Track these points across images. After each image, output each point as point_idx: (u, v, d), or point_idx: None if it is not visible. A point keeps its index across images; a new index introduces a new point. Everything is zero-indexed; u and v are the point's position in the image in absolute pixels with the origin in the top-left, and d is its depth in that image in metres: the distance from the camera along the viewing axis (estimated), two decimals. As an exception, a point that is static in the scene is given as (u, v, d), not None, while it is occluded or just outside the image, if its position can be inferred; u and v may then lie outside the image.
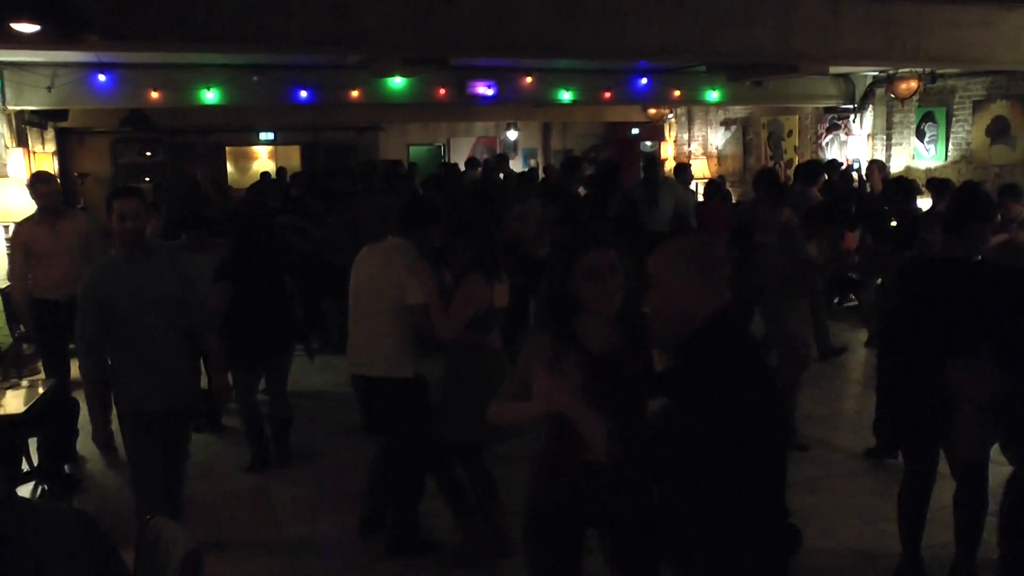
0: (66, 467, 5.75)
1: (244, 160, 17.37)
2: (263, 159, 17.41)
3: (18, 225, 6.20)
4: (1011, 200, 6.60)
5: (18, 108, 9.23)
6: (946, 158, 11.10)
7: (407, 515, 4.61)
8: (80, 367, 4.09)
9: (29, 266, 6.06)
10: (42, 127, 11.65)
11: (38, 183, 6.22)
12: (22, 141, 10.01)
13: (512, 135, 18.34)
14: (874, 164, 10.59)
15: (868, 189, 10.32)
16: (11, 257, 6.14)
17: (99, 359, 4.06)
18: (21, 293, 6.14)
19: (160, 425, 4.14)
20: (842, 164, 11.44)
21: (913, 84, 10.80)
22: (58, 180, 6.57)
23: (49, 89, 8.92)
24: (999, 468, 3.71)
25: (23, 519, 2.42)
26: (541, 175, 12.98)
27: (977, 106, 10.69)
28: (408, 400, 4.46)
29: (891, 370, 4.17)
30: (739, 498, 2.35)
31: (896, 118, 11.56)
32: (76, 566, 2.42)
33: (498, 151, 17.81)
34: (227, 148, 16.78)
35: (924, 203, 8.12)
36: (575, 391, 2.41)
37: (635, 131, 17.99)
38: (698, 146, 15.58)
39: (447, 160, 17.37)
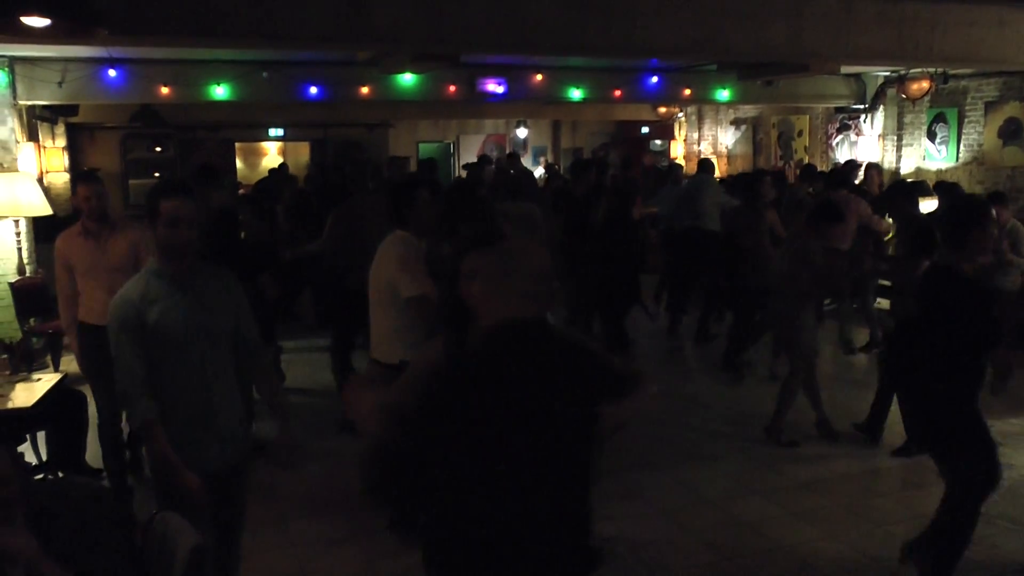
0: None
1: (254, 156, 17.40)
2: (272, 155, 17.42)
3: (60, 236, 5.22)
4: (999, 206, 6.67)
5: (29, 103, 9.25)
6: (957, 159, 11.04)
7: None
8: (128, 417, 3.31)
9: (73, 285, 5.16)
10: (52, 122, 11.69)
11: (79, 183, 5.33)
12: (33, 136, 10.05)
13: (522, 133, 18.32)
14: (872, 167, 10.43)
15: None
16: (57, 276, 5.23)
17: (149, 399, 3.19)
18: (68, 317, 5.22)
19: (212, 483, 3.29)
20: (859, 164, 11.35)
21: (925, 84, 10.74)
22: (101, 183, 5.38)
23: (60, 84, 8.94)
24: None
25: (61, 495, 2.67)
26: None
27: (989, 107, 10.63)
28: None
29: (912, 375, 4.15)
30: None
31: (907, 119, 11.50)
32: (107, 537, 2.65)
33: (508, 149, 17.81)
34: (236, 144, 16.79)
35: (927, 205, 8.01)
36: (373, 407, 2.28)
37: (645, 130, 17.96)
38: (708, 145, 15.53)
39: (456, 157, 17.40)
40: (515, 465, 2.13)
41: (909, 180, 7.54)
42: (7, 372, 5.48)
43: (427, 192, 4.60)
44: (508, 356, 2.17)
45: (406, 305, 4.32)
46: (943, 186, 8.48)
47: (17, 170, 8.54)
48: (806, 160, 12.88)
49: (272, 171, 13.65)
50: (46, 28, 4.79)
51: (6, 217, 8.34)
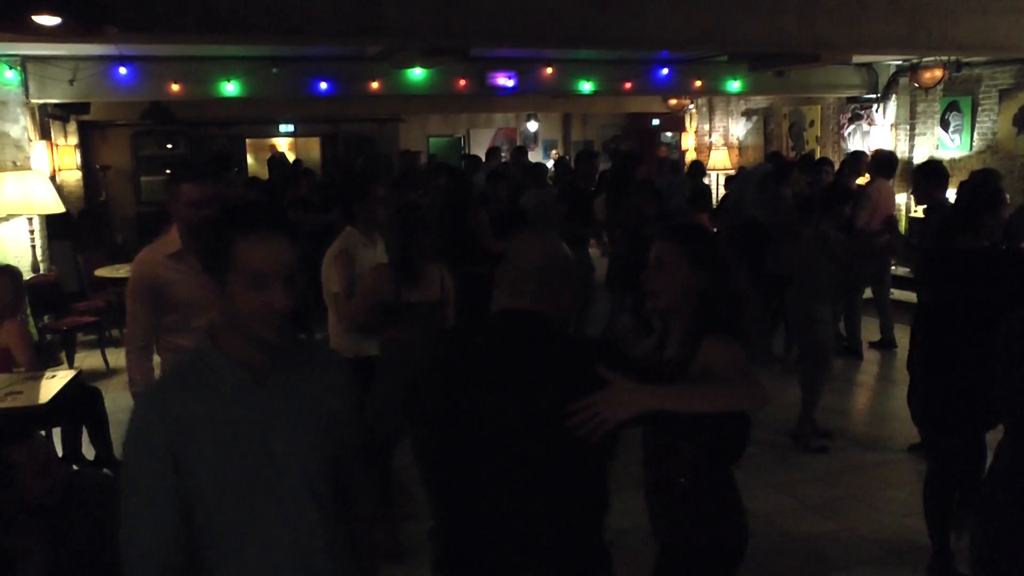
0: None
1: (264, 152, 17.42)
2: (283, 151, 17.46)
3: (140, 257, 3.70)
4: None
5: (41, 101, 9.29)
6: (971, 148, 10.95)
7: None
8: (129, 369, 3.12)
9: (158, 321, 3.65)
10: (64, 120, 11.74)
11: (183, 183, 3.55)
12: (45, 134, 10.09)
13: (532, 126, 18.29)
14: (857, 156, 10.22)
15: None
16: (131, 313, 3.65)
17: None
18: (142, 372, 3.56)
19: None
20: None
21: (938, 73, 10.65)
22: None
23: (71, 82, 8.97)
24: None
25: (85, 481, 2.73)
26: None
27: (1004, 95, 10.54)
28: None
29: (936, 363, 4.15)
30: None
31: (920, 108, 11.41)
32: (116, 526, 2.62)
33: (518, 142, 17.79)
34: (247, 140, 16.83)
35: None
36: None
37: (656, 122, 17.90)
38: (719, 137, 15.46)
39: (468, 151, 17.38)
40: (475, 460, 2.06)
41: (930, 162, 7.34)
42: (23, 369, 5.50)
43: (382, 189, 4.90)
44: (470, 346, 2.19)
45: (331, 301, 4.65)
46: (927, 164, 8.41)
47: (30, 168, 8.58)
48: (818, 151, 12.81)
49: (272, 163, 13.65)
50: (56, 26, 4.80)
51: (20, 215, 8.39)
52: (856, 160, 9.26)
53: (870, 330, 8.53)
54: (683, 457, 2.61)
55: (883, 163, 8.60)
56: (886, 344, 8.32)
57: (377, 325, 4.30)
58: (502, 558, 2.06)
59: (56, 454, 2.64)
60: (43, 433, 5.04)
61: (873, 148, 11.83)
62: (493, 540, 2.07)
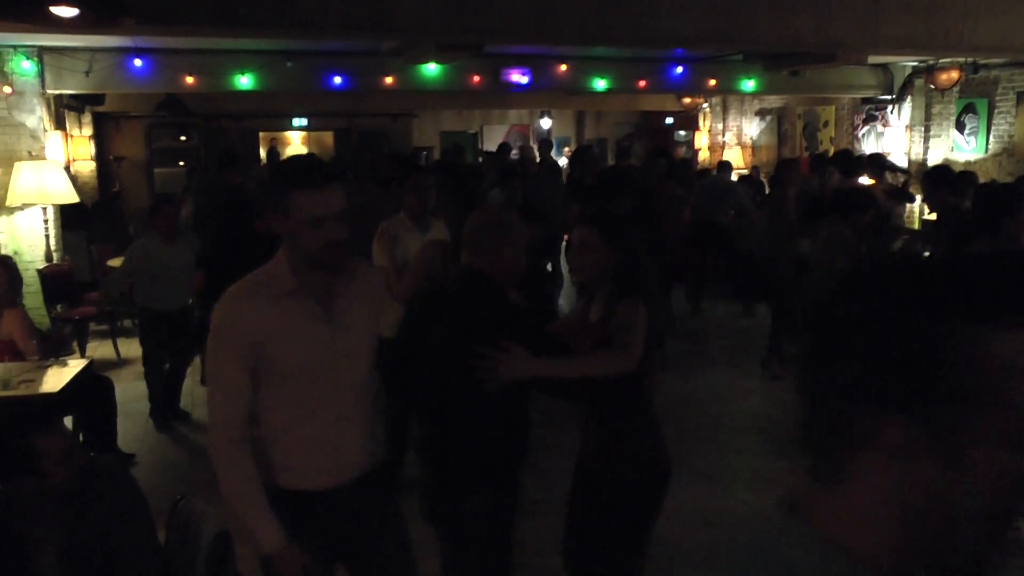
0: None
1: (277, 146, 17.48)
2: (296, 144, 17.50)
3: (232, 296, 2.54)
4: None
5: (57, 92, 9.33)
6: (986, 151, 10.90)
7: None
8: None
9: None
10: (79, 111, 11.79)
11: (298, 190, 2.44)
12: (60, 125, 10.14)
13: (546, 123, 18.28)
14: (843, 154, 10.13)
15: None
16: (221, 384, 2.57)
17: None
18: (242, 477, 2.47)
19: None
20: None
21: (954, 75, 10.60)
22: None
23: (87, 73, 9.00)
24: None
25: (99, 466, 2.76)
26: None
27: (1021, 97, 10.48)
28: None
29: None
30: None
31: (935, 109, 11.36)
32: (131, 510, 2.74)
33: (531, 139, 17.78)
34: (260, 133, 16.88)
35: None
36: None
37: (669, 120, 17.87)
38: (732, 136, 15.44)
39: (480, 147, 17.40)
40: (424, 379, 2.86)
41: (942, 165, 7.27)
42: (36, 358, 5.54)
43: (431, 177, 5.20)
44: (436, 296, 3.01)
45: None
46: (962, 176, 8.36)
47: (45, 158, 8.63)
48: (831, 151, 12.76)
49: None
50: (74, 18, 4.83)
51: (34, 204, 8.44)
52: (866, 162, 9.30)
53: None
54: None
55: (850, 163, 8.71)
56: None
57: None
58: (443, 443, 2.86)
59: (76, 440, 2.67)
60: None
61: (887, 150, 11.81)
62: (440, 433, 2.85)
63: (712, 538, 4.61)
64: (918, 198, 9.82)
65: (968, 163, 10.89)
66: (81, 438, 5.69)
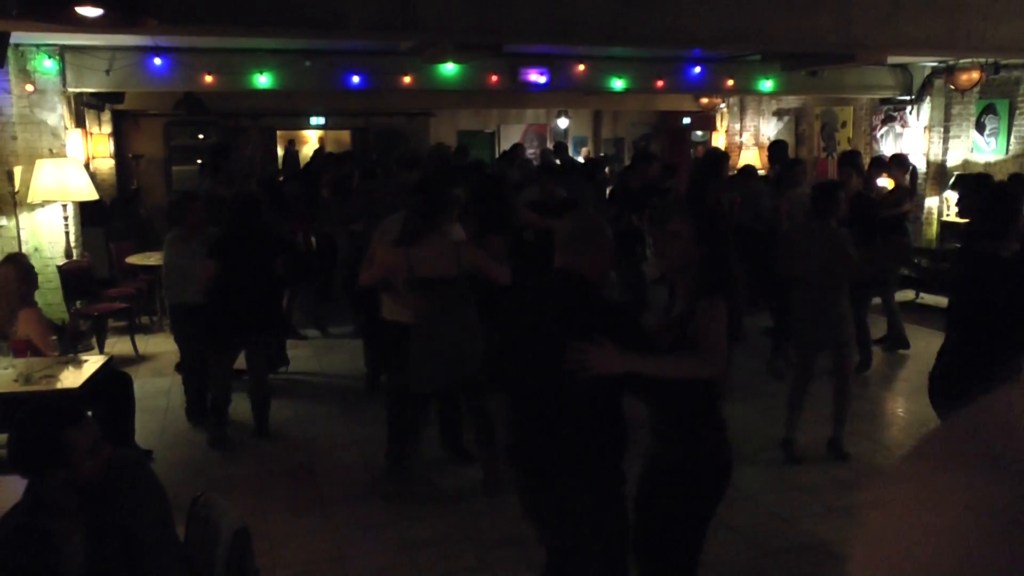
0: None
1: (295, 144, 17.56)
2: (313, 143, 17.56)
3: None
4: None
5: (77, 91, 9.40)
6: (1007, 152, 10.81)
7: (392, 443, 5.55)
8: None
9: None
10: (99, 109, 11.88)
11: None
12: (80, 122, 10.22)
13: (563, 123, 18.26)
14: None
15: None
16: None
17: None
18: None
19: None
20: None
21: (975, 75, 10.51)
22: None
23: (107, 72, 9.06)
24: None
25: (122, 459, 2.81)
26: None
27: (1042, 98, 10.40)
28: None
29: (966, 368, 4.12)
30: None
31: (955, 110, 11.28)
32: (152, 503, 2.78)
33: (548, 139, 17.78)
34: (278, 132, 16.95)
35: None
36: None
37: (686, 120, 17.82)
38: (749, 136, 15.37)
39: (497, 146, 17.42)
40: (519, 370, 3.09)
41: (966, 173, 7.23)
42: (55, 353, 5.59)
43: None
44: (529, 292, 3.27)
45: None
46: (976, 178, 8.29)
47: (66, 156, 8.69)
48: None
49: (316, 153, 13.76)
50: (98, 18, 4.86)
51: (55, 201, 8.50)
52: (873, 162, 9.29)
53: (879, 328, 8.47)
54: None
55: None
56: (897, 344, 8.21)
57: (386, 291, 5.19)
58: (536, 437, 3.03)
59: (101, 434, 2.71)
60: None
61: (904, 150, 11.72)
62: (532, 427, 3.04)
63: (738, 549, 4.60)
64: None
65: (988, 164, 10.81)
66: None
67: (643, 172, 9.04)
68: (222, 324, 6.03)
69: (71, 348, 5.97)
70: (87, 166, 9.78)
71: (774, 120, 15.19)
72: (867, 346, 7.60)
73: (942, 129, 11.37)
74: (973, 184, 6.38)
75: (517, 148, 13.24)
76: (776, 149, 10.87)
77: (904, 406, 7.02)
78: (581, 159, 16.20)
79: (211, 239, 6.16)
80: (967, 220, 6.35)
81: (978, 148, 11.16)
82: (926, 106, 11.56)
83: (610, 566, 3.01)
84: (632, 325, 3.04)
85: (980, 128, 11.16)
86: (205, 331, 6.16)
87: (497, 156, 15.50)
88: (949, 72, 10.87)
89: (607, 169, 12.98)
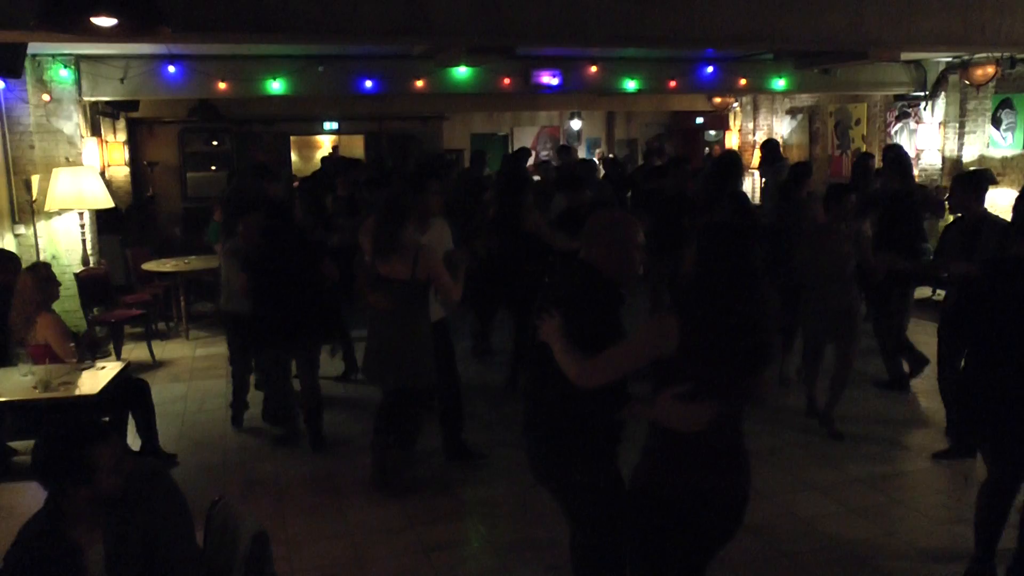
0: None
1: (308, 149, 17.59)
2: (327, 148, 17.60)
3: None
4: None
5: (93, 99, 9.47)
6: (1023, 147, 10.72)
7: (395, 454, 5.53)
8: None
9: None
10: (114, 117, 11.96)
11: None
12: (96, 131, 10.29)
13: (576, 124, 18.25)
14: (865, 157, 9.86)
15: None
16: None
17: None
18: None
19: None
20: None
21: (990, 70, 10.43)
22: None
23: (122, 80, 9.12)
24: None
25: (142, 470, 2.82)
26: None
27: (1059, 93, 10.30)
28: None
29: (974, 372, 4.07)
30: None
31: (970, 105, 11.18)
32: (173, 512, 2.81)
33: (561, 141, 17.76)
34: (291, 137, 17.01)
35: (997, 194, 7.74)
36: None
37: (699, 120, 17.78)
38: (763, 135, 15.30)
39: (510, 149, 17.43)
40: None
41: (972, 170, 7.10)
42: (74, 360, 5.63)
43: (437, 183, 5.61)
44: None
45: None
46: (972, 174, 8.17)
47: (82, 164, 8.76)
48: (863, 149, 12.62)
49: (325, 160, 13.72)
50: (113, 27, 4.89)
51: (71, 209, 8.56)
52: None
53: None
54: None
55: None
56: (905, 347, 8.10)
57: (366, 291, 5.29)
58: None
59: (125, 449, 2.73)
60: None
61: (919, 147, 11.65)
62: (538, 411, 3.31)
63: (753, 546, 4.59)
64: None
65: (1005, 159, 10.73)
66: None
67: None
68: (263, 331, 6.12)
69: (89, 355, 6.01)
70: (103, 174, 9.84)
71: (787, 118, 15.13)
72: (898, 363, 7.32)
73: (957, 125, 11.28)
74: (968, 179, 6.14)
75: (524, 152, 13.21)
76: (767, 148, 10.86)
77: (917, 407, 6.97)
78: (597, 159, 16.19)
79: (244, 251, 6.23)
80: (960, 216, 6.15)
81: (994, 143, 11.07)
82: (941, 102, 11.47)
83: (607, 532, 3.20)
84: (593, 315, 3.07)
85: (996, 123, 11.07)
86: (251, 338, 6.38)
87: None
88: (964, 67, 10.79)
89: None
